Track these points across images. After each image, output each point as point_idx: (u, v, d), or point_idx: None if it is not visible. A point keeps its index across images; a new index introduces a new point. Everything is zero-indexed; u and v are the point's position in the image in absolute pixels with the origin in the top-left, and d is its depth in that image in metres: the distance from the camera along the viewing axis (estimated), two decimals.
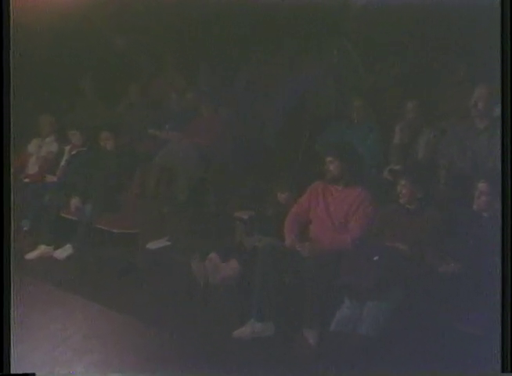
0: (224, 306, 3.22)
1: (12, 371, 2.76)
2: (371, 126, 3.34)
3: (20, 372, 2.75)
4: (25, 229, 3.18)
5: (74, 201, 3.34)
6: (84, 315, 3.11)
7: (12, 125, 3.09)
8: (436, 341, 3.05)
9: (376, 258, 3.20)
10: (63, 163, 3.35)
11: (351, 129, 3.34)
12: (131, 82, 3.38)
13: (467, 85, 3.19)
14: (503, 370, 2.87)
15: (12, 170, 3.10)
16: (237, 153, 3.33)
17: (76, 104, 3.33)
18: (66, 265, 3.23)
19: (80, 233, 3.30)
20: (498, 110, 3.11)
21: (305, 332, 3.18)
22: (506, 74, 2.99)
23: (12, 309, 2.87)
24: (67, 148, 3.37)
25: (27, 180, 3.26)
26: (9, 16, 3.03)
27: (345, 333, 3.16)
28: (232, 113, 3.36)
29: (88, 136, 3.38)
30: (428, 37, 3.16)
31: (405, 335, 3.11)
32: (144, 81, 3.40)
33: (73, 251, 3.28)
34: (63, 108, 3.26)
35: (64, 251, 3.27)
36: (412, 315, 3.14)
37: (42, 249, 3.24)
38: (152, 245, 3.31)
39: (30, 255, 3.22)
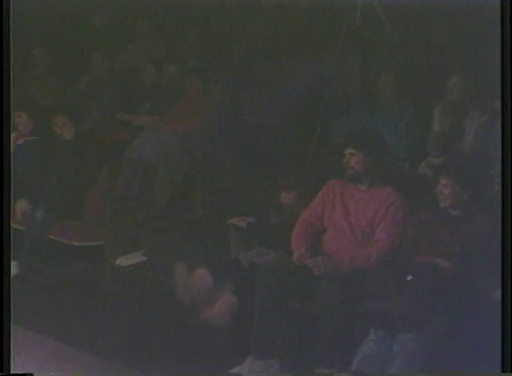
0: (216, 340, 3.21)
1: (12, 371, 2.96)
2: (403, 109, 3.33)
3: (20, 372, 2.95)
4: None
5: (21, 206, 3.26)
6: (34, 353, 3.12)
7: None
8: None
9: (409, 277, 3.15)
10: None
11: (377, 114, 3.34)
12: (94, 52, 3.31)
13: None
14: (503, 370, 3.01)
15: None
16: (231, 145, 3.33)
17: (23, 77, 3.24)
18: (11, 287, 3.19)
19: (29, 247, 3.24)
20: None
21: (319, 373, 3.16)
22: (506, 73, 3.12)
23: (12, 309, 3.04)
24: (11, 136, 3.23)
25: None
26: None
27: (371, 374, 3.12)
28: (225, 94, 3.33)
29: (38, 121, 3.29)
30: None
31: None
32: (111, 49, 3.33)
33: (20, 270, 3.24)
34: (6, 82, 3.16)
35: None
36: (457, 351, 3.12)
37: None
38: (123, 261, 3.31)
39: None
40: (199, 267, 3.24)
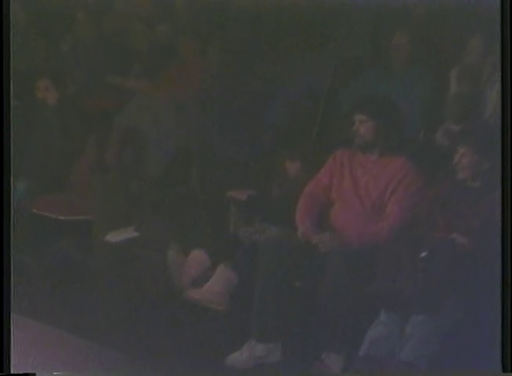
0: (213, 322, 3.18)
1: (12, 371, 3.01)
2: (417, 73, 3.27)
3: (20, 372, 3.00)
4: None
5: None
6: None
7: None
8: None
9: (423, 254, 3.12)
10: None
11: (389, 78, 3.28)
12: (78, 9, 3.28)
13: None
14: (503, 370, 3.05)
15: None
16: (231, 112, 3.28)
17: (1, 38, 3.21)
18: None
19: (9, 222, 3.20)
20: None
21: (326, 357, 3.13)
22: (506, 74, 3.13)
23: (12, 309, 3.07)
24: None
25: None
26: None
27: (380, 358, 3.10)
28: (226, 56, 3.27)
29: (18, 85, 3.24)
30: None
31: (462, 361, 3.08)
32: (98, 6, 3.30)
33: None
34: None
35: None
36: (474, 333, 3.11)
37: None
38: (113, 237, 3.26)
39: None
40: (194, 247, 3.20)
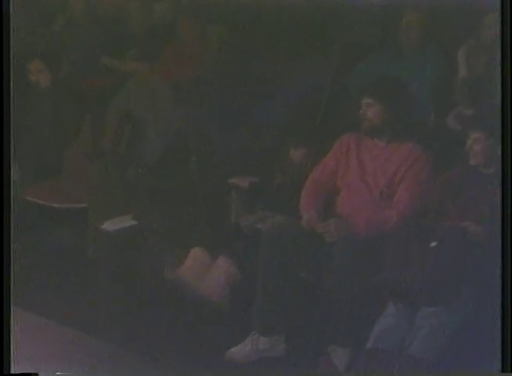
0: (214, 315, 3.19)
1: (12, 371, 3.05)
2: (428, 54, 3.26)
3: (20, 372, 3.05)
4: None
5: None
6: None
7: None
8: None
9: (434, 243, 3.12)
10: None
11: (399, 59, 3.27)
12: None
13: None
14: (503, 370, 3.07)
15: None
16: (232, 95, 3.28)
17: None
18: None
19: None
20: None
21: (331, 351, 3.13)
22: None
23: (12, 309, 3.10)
24: None
25: None
26: None
27: (388, 352, 3.10)
28: (225, 37, 3.27)
29: (10, 67, 3.23)
30: None
31: (474, 355, 3.07)
32: None
33: None
34: None
35: None
36: (486, 326, 3.10)
37: None
38: (109, 226, 3.26)
39: None
40: (194, 236, 3.20)
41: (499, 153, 3.16)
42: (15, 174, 3.23)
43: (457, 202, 3.16)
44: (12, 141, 3.21)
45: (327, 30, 3.26)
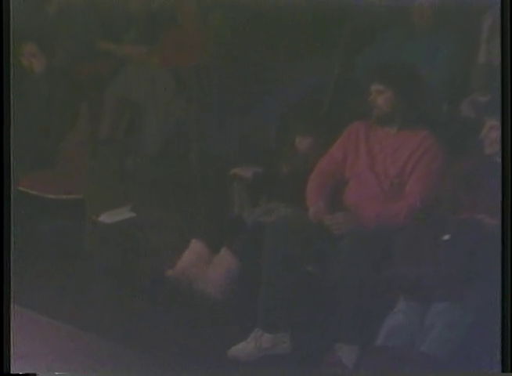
0: (216, 310, 3.19)
1: (12, 371, 3.09)
2: (441, 37, 3.26)
3: (20, 372, 3.08)
4: None
5: None
6: None
7: None
8: None
9: (446, 237, 3.10)
10: None
11: (411, 43, 3.26)
12: None
13: None
14: (503, 370, 3.09)
15: None
16: (235, 80, 3.29)
17: None
18: None
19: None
20: None
21: (338, 349, 3.11)
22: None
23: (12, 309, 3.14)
24: None
25: None
26: None
27: (398, 350, 3.08)
28: (226, 21, 3.28)
29: (2, 49, 3.19)
30: None
31: (490, 353, 3.06)
32: None
33: None
34: None
35: None
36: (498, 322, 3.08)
37: None
38: (107, 218, 3.28)
39: None
40: (194, 229, 3.20)
41: None
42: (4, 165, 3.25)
43: (471, 193, 3.14)
44: (3, 129, 3.22)
45: (335, 10, 3.26)
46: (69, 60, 3.28)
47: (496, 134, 3.15)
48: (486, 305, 3.08)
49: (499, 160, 3.16)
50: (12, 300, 3.11)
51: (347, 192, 3.19)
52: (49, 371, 3.12)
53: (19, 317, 3.12)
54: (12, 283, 3.12)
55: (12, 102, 3.21)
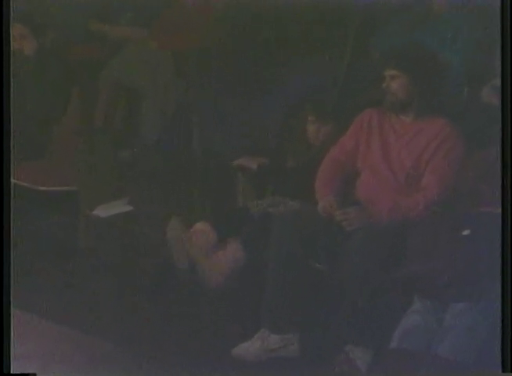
0: (219, 308, 3.20)
1: (12, 371, 3.11)
2: (461, 19, 3.24)
3: (20, 372, 3.11)
4: None
5: None
6: None
7: None
8: None
9: (466, 232, 3.07)
10: None
11: (428, 25, 3.25)
12: None
13: None
14: (503, 370, 3.10)
15: None
16: (237, 63, 3.27)
17: None
18: None
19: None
20: None
21: (350, 351, 3.09)
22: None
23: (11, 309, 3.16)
24: None
25: None
26: None
27: (414, 353, 3.06)
28: (233, 4, 3.27)
29: None
30: None
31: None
32: None
33: None
34: None
35: None
36: None
37: None
38: (102, 211, 3.27)
39: None
40: (198, 220, 3.18)
41: None
42: None
43: (492, 185, 3.12)
44: None
45: None
46: (61, 43, 3.28)
47: None
48: (508, 305, 3.08)
49: None
50: (11, 300, 3.13)
51: (359, 184, 3.19)
52: (49, 371, 3.12)
53: (18, 317, 3.11)
54: (11, 283, 3.13)
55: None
